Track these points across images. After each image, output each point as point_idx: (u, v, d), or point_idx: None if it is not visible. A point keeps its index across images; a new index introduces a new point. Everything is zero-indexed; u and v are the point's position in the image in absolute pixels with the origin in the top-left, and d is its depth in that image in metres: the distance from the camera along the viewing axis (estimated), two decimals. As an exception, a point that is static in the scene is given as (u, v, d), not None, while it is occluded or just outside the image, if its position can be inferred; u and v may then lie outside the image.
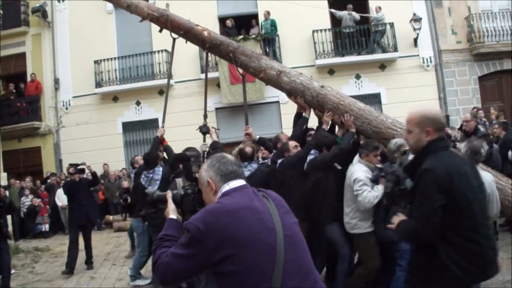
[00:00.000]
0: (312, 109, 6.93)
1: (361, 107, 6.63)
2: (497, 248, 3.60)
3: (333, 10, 17.58)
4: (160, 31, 7.94)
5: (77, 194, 9.84)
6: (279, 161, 6.56)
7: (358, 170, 5.93)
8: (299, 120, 7.01)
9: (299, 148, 6.52)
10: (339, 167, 6.57)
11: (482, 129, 10.02)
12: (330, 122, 6.73)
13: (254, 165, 6.90)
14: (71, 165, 10.12)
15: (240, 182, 2.69)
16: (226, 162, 2.72)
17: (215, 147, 6.96)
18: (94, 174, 10.37)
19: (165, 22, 7.67)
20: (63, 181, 14.80)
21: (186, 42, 7.86)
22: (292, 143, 6.57)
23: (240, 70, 7.69)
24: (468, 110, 15.59)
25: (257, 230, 2.42)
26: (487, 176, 5.31)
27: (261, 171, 6.86)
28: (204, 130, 7.69)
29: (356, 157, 6.14)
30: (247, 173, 6.73)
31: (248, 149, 7.01)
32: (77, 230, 10.02)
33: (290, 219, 2.60)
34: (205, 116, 8.68)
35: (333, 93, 6.82)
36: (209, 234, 2.38)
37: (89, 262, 10.23)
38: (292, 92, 7.01)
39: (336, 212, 6.34)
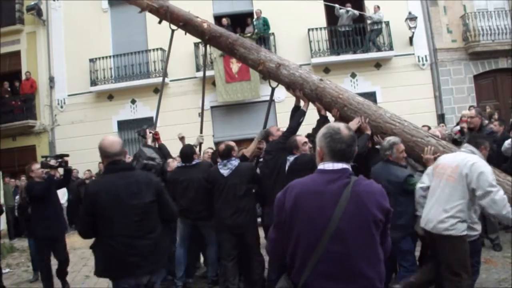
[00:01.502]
0: (312, 103, 6.90)
1: (359, 101, 6.63)
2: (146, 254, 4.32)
3: (336, 6, 17.52)
4: (159, 22, 7.88)
5: (48, 197, 7.79)
6: (291, 158, 6.33)
7: (485, 165, 5.05)
8: (296, 112, 6.96)
9: (309, 145, 6.43)
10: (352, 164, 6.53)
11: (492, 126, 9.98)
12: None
13: (234, 162, 6.87)
14: (51, 156, 7.81)
15: (338, 166, 2.87)
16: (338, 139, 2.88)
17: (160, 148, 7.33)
18: (69, 171, 8.00)
19: (165, 13, 7.63)
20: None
21: (186, 34, 7.83)
22: (301, 140, 6.46)
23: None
24: (464, 108, 15.63)
25: (312, 213, 2.72)
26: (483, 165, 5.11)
27: (245, 167, 6.86)
28: (142, 133, 7.82)
29: (471, 147, 5.37)
30: (226, 171, 6.78)
31: (221, 146, 7.05)
32: (44, 249, 7.91)
33: (361, 216, 2.68)
34: (202, 113, 8.76)
35: (332, 86, 6.81)
36: (284, 203, 2.85)
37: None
38: (291, 85, 6.99)
39: None
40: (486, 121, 10.10)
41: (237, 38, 7.56)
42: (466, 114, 12.39)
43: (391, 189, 5.25)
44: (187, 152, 7.49)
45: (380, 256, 2.73)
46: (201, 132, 8.61)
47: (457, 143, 8.01)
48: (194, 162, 7.40)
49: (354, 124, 6.41)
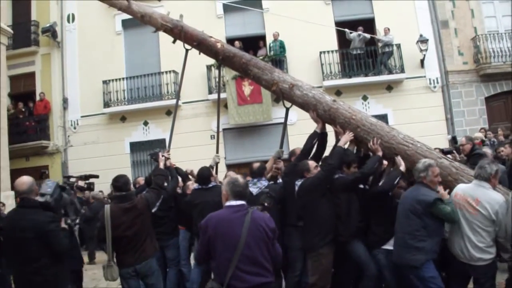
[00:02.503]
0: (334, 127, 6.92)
1: (373, 122, 6.68)
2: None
3: (347, 30, 17.64)
4: (174, 42, 7.90)
5: None
6: (298, 182, 6.46)
7: None
8: (310, 134, 7.03)
9: (319, 169, 6.46)
10: (362, 186, 6.57)
11: (487, 150, 10.00)
12: (348, 142, 6.69)
13: (264, 182, 6.95)
14: (76, 177, 7.53)
15: (238, 202, 4.35)
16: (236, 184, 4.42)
17: (156, 174, 7.00)
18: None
19: (179, 33, 7.65)
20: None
21: (200, 54, 7.85)
22: (313, 164, 6.54)
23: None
24: (476, 130, 15.64)
25: (225, 233, 4.18)
26: (498, 197, 5.37)
27: (273, 187, 6.87)
28: (154, 157, 7.67)
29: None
30: (255, 190, 6.79)
31: (256, 165, 7.15)
32: None
33: (258, 233, 4.21)
34: (217, 133, 8.78)
35: (345, 107, 6.86)
36: (207, 228, 4.26)
37: None
38: (304, 106, 7.05)
39: (360, 232, 6.36)
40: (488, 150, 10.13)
41: (250, 58, 7.59)
42: (478, 137, 12.44)
43: (419, 209, 5.48)
44: (204, 175, 7.48)
45: (271, 255, 4.30)
46: (217, 152, 8.60)
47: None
48: (210, 185, 7.38)
49: (345, 137, 6.58)
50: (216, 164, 8.33)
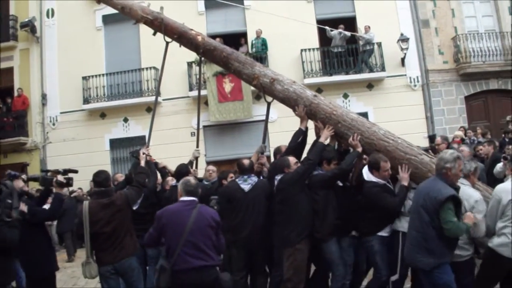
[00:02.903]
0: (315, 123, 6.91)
1: (353, 118, 6.67)
2: None
3: (327, 28, 17.66)
4: (154, 34, 7.84)
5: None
6: (278, 177, 6.42)
7: None
8: (295, 132, 7.00)
9: (299, 165, 6.45)
10: (341, 184, 6.57)
11: (465, 148, 10.06)
12: (329, 137, 6.66)
13: (254, 178, 6.88)
14: (54, 171, 6.71)
15: (189, 199, 5.30)
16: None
17: (138, 172, 6.99)
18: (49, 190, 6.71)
19: (159, 25, 7.62)
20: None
21: (180, 46, 7.84)
22: (293, 159, 6.51)
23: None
24: (455, 129, 15.75)
25: (175, 222, 5.10)
26: (475, 194, 5.41)
27: (263, 183, 6.87)
28: (135, 154, 7.60)
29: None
30: (247, 186, 6.76)
31: (246, 161, 7.03)
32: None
33: (202, 224, 5.12)
34: (198, 128, 8.79)
35: (326, 102, 6.87)
36: (162, 218, 5.20)
37: None
38: (285, 100, 7.03)
39: (337, 230, 6.33)
40: (454, 145, 10.24)
41: (231, 52, 7.57)
42: (458, 135, 12.51)
43: (429, 206, 5.06)
44: (182, 171, 7.41)
45: (214, 245, 5.17)
46: (197, 146, 8.53)
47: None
48: None
49: (325, 134, 6.56)
50: (196, 158, 8.24)
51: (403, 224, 6.07)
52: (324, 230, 6.26)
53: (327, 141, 6.73)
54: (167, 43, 7.86)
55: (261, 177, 7.39)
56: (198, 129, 8.79)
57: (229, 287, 5.30)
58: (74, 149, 18.15)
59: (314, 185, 6.38)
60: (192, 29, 7.70)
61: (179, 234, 5.02)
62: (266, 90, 7.22)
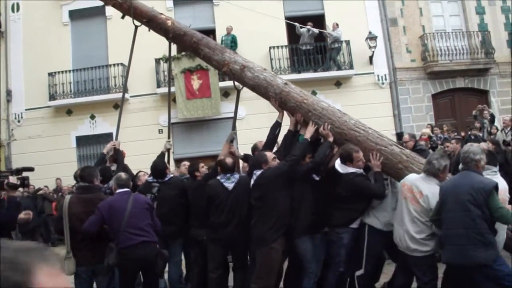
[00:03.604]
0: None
1: (324, 107, 6.63)
2: None
3: (297, 24, 17.68)
4: (123, 17, 7.78)
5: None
6: (257, 172, 6.30)
7: None
8: (272, 125, 6.96)
9: (277, 160, 6.35)
10: (317, 178, 6.49)
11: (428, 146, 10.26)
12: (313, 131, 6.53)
13: (236, 176, 6.84)
14: (6, 172, 6.57)
15: (125, 189, 6.10)
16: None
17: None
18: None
19: (128, 8, 7.56)
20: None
21: (149, 30, 7.74)
22: (271, 155, 6.42)
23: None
24: (422, 127, 15.92)
25: (117, 208, 5.79)
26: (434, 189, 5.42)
27: (245, 180, 6.78)
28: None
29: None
30: (231, 185, 6.71)
31: (229, 160, 6.96)
32: None
33: (139, 207, 5.96)
34: (168, 120, 8.95)
35: (296, 91, 6.81)
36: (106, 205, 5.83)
37: None
38: (255, 88, 6.96)
39: (313, 225, 6.27)
40: (422, 142, 10.42)
41: (201, 37, 7.48)
42: (426, 132, 12.67)
43: (479, 198, 4.89)
44: (160, 168, 7.35)
45: (151, 224, 6.00)
46: (168, 138, 8.46)
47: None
48: (166, 178, 7.25)
49: (309, 130, 6.45)
50: (168, 150, 8.12)
51: (371, 218, 6.13)
52: (299, 226, 6.20)
53: (304, 134, 6.72)
54: (136, 27, 7.75)
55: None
56: (169, 121, 8.88)
57: (166, 261, 6.40)
58: (39, 147, 17.81)
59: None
60: (162, 13, 7.66)
61: (120, 218, 5.73)
62: (236, 77, 7.16)
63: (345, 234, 6.16)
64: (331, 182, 6.40)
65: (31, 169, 6.65)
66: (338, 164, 6.22)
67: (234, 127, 8.02)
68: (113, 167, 7.76)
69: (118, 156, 7.81)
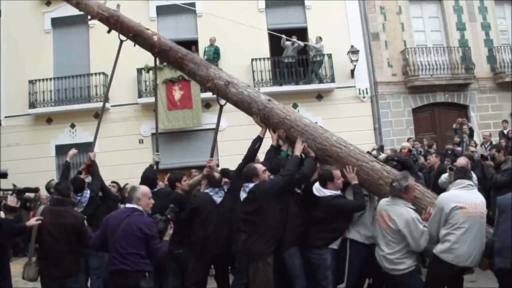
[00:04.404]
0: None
1: (306, 123, 6.67)
2: None
3: (283, 36, 17.74)
4: (109, 32, 7.73)
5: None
6: (250, 185, 6.13)
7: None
8: (254, 139, 6.94)
9: (267, 173, 6.28)
10: (299, 191, 6.51)
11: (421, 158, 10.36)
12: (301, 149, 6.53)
13: (223, 190, 6.91)
14: (7, 190, 5.99)
15: (129, 206, 5.51)
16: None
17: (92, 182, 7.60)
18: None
19: (115, 23, 7.52)
20: None
21: (135, 45, 7.73)
22: (261, 167, 6.31)
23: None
24: (403, 140, 16.03)
25: (111, 227, 5.32)
26: (406, 213, 5.55)
27: (228, 195, 6.85)
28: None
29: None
30: (219, 199, 6.76)
31: (217, 174, 7.00)
32: None
33: (128, 232, 5.25)
34: (156, 132, 8.96)
35: (279, 107, 6.86)
36: (106, 222, 5.48)
37: None
38: (239, 104, 7.00)
39: (301, 236, 6.26)
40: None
41: (187, 53, 7.50)
42: (406, 146, 12.77)
43: None
44: (150, 178, 7.29)
45: (140, 254, 5.26)
46: (157, 151, 8.40)
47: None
48: (156, 189, 7.16)
49: (298, 147, 6.46)
50: (157, 163, 8.06)
51: (351, 232, 6.16)
52: (287, 238, 6.15)
53: (284, 147, 6.90)
54: (121, 41, 7.73)
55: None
56: (156, 132, 8.89)
57: None
58: (18, 155, 17.58)
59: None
60: (148, 29, 7.65)
61: (110, 239, 5.30)
62: (220, 92, 7.15)
63: (326, 255, 6.12)
64: (308, 205, 6.42)
65: (35, 191, 6.41)
66: (316, 187, 6.24)
67: (215, 141, 8.01)
68: (88, 179, 7.73)
69: (94, 168, 7.78)
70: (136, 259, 5.26)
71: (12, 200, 5.36)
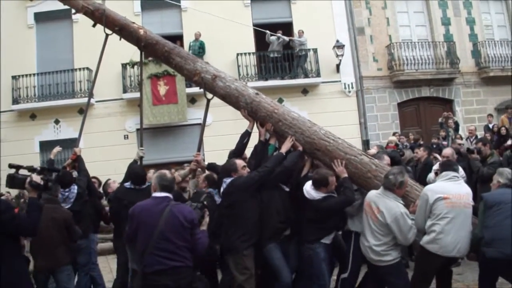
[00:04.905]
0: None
1: (294, 117, 6.64)
2: None
3: (268, 32, 17.75)
4: (94, 25, 7.63)
5: None
6: (227, 180, 6.22)
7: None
8: (242, 134, 6.92)
9: (247, 169, 6.31)
10: (287, 189, 6.45)
11: (407, 152, 10.45)
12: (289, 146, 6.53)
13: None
14: (30, 169, 5.11)
15: (163, 194, 4.95)
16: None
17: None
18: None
19: (100, 17, 7.42)
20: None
21: (120, 39, 7.64)
22: (241, 163, 6.36)
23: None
24: (388, 135, 16.10)
25: (147, 221, 4.76)
26: (396, 208, 5.56)
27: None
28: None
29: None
30: (219, 199, 6.67)
31: (216, 176, 6.92)
32: None
33: (174, 223, 4.73)
34: (141, 126, 8.77)
35: (267, 101, 6.82)
36: (133, 215, 4.92)
37: None
38: (226, 98, 6.96)
39: (278, 234, 6.23)
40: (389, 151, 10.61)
41: (174, 47, 7.45)
42: (393, 140, 12.82)
43: None
44: (140, 174, 7.19)
45: (188, 247, 4.76)
46: (141, 146, 8.30)
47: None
48: (144, 186, 7.06)
49: (286, 144, 6.45)
50: (141, 158, 7.98)
51: (355, 224, 6.22)
52: (265, 234, 6.14)
53: (272, 141, 6.82)
54: (107, 35, 7.65)
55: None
56: (141, 127, 8.73)
57: None
58: (2, 151, 17.38)
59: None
60: (134, 22, 7.59)
61: (149, 235, 4.71)
62: (207, 86, 7.10)
63: (319, 248, 6.13)
64: (299, 204, 6.40)
65: (57, 170, 6.11)
66: (307, 189, 6.21)
67: (202, 136, 7.96)
68: (74, 174, 7.64)
69: (80, 163, 7.68)
70: (186, 253, 4.77)
71: (37, 178, 4.83)
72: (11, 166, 4.89)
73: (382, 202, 5.61)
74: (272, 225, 6.16)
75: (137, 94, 16.02)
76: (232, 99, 6.93)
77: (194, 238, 4.83)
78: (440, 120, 15.36)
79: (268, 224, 6.15)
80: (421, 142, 14.20)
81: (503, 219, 5.41)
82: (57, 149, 8.25)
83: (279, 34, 17.92)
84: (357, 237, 6.15)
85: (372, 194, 5.84)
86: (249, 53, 18.17)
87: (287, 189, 6.48)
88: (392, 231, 5.53)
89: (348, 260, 6.28)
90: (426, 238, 5.55)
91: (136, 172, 7.23)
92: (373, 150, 8.99)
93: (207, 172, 7.53)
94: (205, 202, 5.74)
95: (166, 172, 5.26)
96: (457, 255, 5.61)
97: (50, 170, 5.39)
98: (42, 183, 4.87)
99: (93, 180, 8.52)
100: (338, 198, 6.12)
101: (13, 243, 4.70)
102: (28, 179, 4.78)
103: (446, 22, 19.51)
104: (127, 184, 7.26)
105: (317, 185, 6.11)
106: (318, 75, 18.16)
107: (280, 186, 6.40)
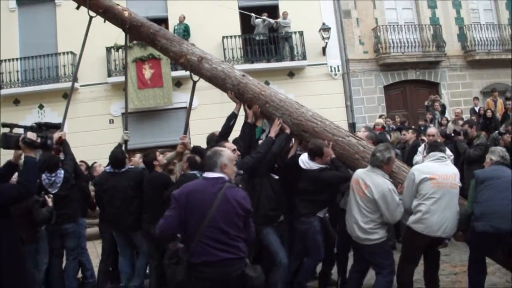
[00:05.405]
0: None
1: (282, 99, 6.65)
2: None
3: (252, 15, 17.65)
4: (77, 8, 7.55)
5: None
6: None
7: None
8: (228, 115, 6.88)
9: (238, 152, 6.19)
10: (276, 177, 6.47)
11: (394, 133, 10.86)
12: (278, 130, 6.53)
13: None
14: (25, 127, 4.88)
15: (216, 175, 4.22)
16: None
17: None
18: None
19: None
20: None
21: (105, 22, 7.57)
22: (231, 146, 6.25)
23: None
24: (374, 117, 16.11)
25: (197, 206, 4.06)
26: (384, 184, 5.57)
27: None
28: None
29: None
30: None
31: (198, 158, 6.80)
32: None
33: (227, 210, 4.07)
34: (126, 110, 8.70)
35: (254, 82, 6.82)
36: (178, 199, 4.12)
37: None
38: (213, 79, 6.92)
39: (272, 221, 6.28)
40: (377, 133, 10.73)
41: (159, 28, 7.41)
42: (379, 123, 12.86)
43: None
44: (119, 157, 7.12)
45: (241, 236, 4.15)
46: (126, 129, 8.21)
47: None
48: (123, 169, 7.07)
49: (274, 128, 6.46)
50: (126, 142, 7.90)
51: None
52: (259, 220, 5.97)
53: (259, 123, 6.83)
54: (91, 17, 7.53)
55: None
56: (126, 111, 8.65)
57: (260, 284, 4.29)
58: (-15, 137, 17.24)
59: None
60: (118, 4, 7.52)
61: (199, 221, 4.07)
62: (193, 68, 7.07)
63: (315, 222, 6.21)
64: (291, 176, 6.42)
65: (57, 126, 5.65)
66: (302, 159, 6.25)
67: (188, 118, 7.91)
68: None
69: (65, 147, 7.55)
70: (239, 244, 4.16)
71: (32, 135, 4.53)
72: (4, 125, 4.62)
73: (369, 178, 5.62)
74: (264, 213, 6.17)
75: (122, 78, 15.75)
76: (218, 81, 6.89)
77: (247, 226, 4.28)
78: (426, 103, 15.41)
79: (261, 211, 6.15)
80: (407, 125, 14.31)
81: (493, 194, 5.50)
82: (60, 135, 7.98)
83: (264, 17, 17.84)
84: (342, 215, 6.24)
85: (360, 171, 5.85)
86: (235, 36, 18.08)
87: (277, 177, 6.48)
88: (379, 208, 5.54)
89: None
90: (412, 218, 5.59)
91: (115, 156, 7.17)
92: (361, 133, 8.98)
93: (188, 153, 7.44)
94: (240, 185, 5.55)
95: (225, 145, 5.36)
96: (442, 235, 5.62)
97: (48, 126, 5.16)
98: (38, 140, 4.62)
99: (81, 163, 8.46)
100: (336, 172, 6.16)
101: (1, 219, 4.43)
102: (22, 136, 4.50)
103: (432, 5, 19.54)
104: (108, 168, 7.29)
105: (312, 155, 6.16)
106: (304, 58, 18.14)
107: (269, 175, 6.41)
